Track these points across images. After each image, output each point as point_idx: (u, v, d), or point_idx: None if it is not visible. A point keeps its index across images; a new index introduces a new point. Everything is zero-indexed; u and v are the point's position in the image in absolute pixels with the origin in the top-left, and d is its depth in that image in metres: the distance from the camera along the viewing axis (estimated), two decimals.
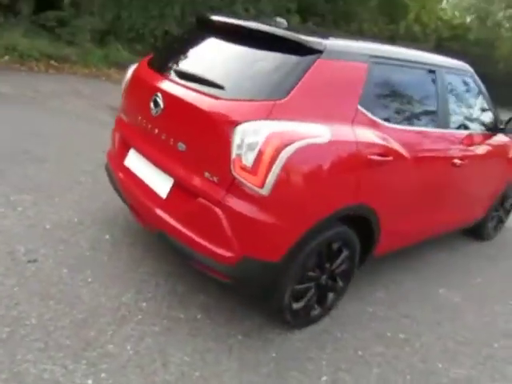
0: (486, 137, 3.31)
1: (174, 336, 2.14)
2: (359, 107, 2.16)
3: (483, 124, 3.31)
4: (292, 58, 2.02)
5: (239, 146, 1.85)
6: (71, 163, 3.88)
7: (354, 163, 2.10)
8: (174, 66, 2.34)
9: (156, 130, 2.25)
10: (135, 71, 2.58)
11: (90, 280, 2.40)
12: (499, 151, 3.54)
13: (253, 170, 1.83)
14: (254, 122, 1.85)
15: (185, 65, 2.32)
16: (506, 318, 2.95)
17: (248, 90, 2.00)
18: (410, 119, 2.54)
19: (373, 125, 2.23)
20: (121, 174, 2.53)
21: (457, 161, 2.88)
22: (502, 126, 3.41)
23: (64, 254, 2.58)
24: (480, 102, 3.31)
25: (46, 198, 3.17)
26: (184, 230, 2.06)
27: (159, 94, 2.21)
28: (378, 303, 2.80)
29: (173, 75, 2.29)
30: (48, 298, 2.19)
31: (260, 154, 1.81)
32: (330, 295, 2.48)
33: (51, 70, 7.98)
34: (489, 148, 3.35)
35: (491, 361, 2.50)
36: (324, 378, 2.10)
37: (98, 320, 2.12)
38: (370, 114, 2.22)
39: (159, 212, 2.19)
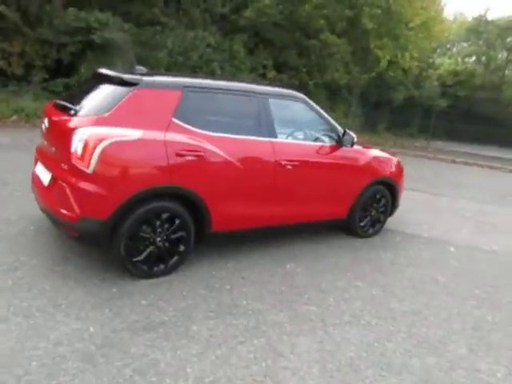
0: (328, 148, 4.26)
1: (50, 278, 3.14)
2: (174, 119, 3.24)
3: (320, 137, 4.28)
4: (119, 89, 3.17)
5: (75, 144, 2.94)
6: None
7: (162, 155, 3.13)
8: (61, 101, 3.51)
9: (45, 143, 3.41)
10: (45, 109, 3.79)
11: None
12: (347, 160, 4.44)
13: (82, 157, 2.92)
14: (84, 128, 2.96)
15: (67, 100, 3.49)
16: (333, 284, 3.70)
17: (88, 110, 3.14)
18: (227, 129, 3.55)
19: (187, 132, 3.29)
20: (32, 180, 3.68)
21: (285, 162, 3.84)
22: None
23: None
24: (317, 121, 4.28)
25: None
26: (53, 204, 3.13)
27: (46, 119, 3.39)
28: (223, 270, 3.68)
29: (57, 106, 3.47)
30: None
31: (85, 146, 2.90)
32: (175, 258, 3.43)
33: None
34: (332, 156, 4.28)
35: (290, 303, 3.29)
36: (144, 302, 3.02)
37: None
38: (184, 124, 3.28)
39: (43, 196, 3.29)
